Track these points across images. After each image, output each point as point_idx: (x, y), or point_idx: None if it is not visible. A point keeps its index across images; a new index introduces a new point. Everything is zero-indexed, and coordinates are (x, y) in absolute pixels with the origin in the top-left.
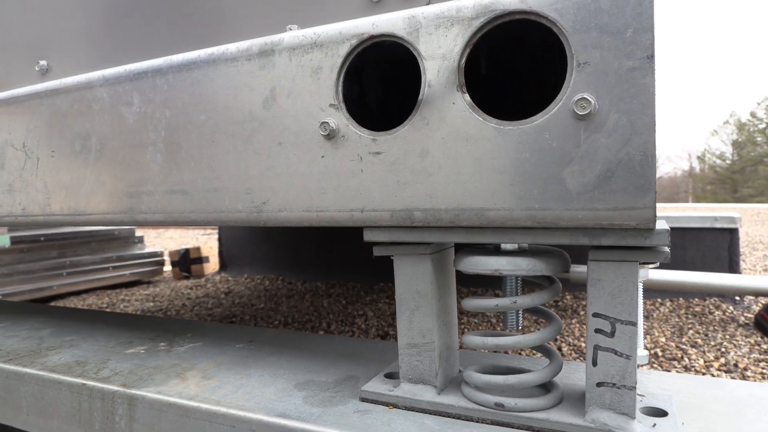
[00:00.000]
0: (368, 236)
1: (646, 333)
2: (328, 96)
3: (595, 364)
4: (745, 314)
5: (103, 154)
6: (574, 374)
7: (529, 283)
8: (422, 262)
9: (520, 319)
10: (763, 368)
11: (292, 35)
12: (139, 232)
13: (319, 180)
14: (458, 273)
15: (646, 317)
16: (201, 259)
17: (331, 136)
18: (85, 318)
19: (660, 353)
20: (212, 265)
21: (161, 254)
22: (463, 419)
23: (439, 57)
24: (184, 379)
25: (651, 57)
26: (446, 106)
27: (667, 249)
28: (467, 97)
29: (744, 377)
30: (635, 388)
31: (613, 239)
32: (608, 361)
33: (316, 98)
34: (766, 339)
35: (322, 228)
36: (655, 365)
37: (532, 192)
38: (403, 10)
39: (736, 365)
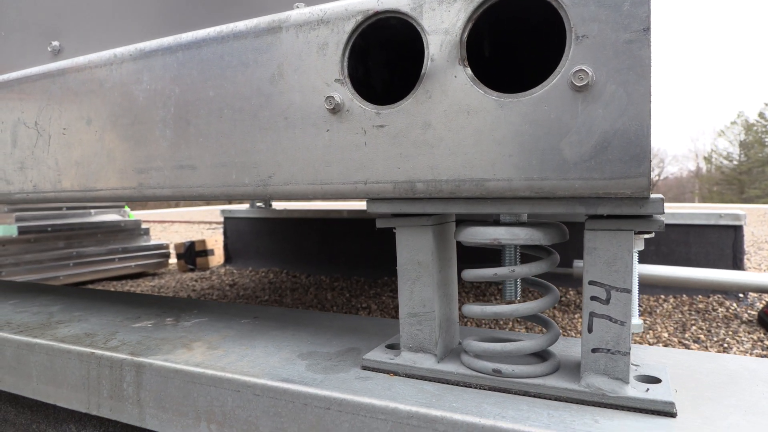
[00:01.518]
0: (371, 208)
1: (649, 328)
2: (334, 71)
3: (590, 330)
4: (749, 311)
5: (114, 131)
6: (572, 348)
7: (528, 258)
8: (423, 233)
9: (518, 289)
10: None
11: (299, 12)
12: (145, 225)
13: (324, 153)
14: (461, 251)
15: (650, 313)
16: (206, 252)
17: (336, 110)
18: (94, 296)
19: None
20: (217, 257)
21: (167, 246)
22: (461, 385)
23: (442, 32)
24: (190, 348)
25: (647, 29)
26: (448, 80)
27: (661, 218)
28: (469, 70)
29: None
30: (629, 353)
31: (609, 208)
32: (603, 327)
33: (322, 74)
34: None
35: (327, 221)
36: None
37: (530, 162)
38: None
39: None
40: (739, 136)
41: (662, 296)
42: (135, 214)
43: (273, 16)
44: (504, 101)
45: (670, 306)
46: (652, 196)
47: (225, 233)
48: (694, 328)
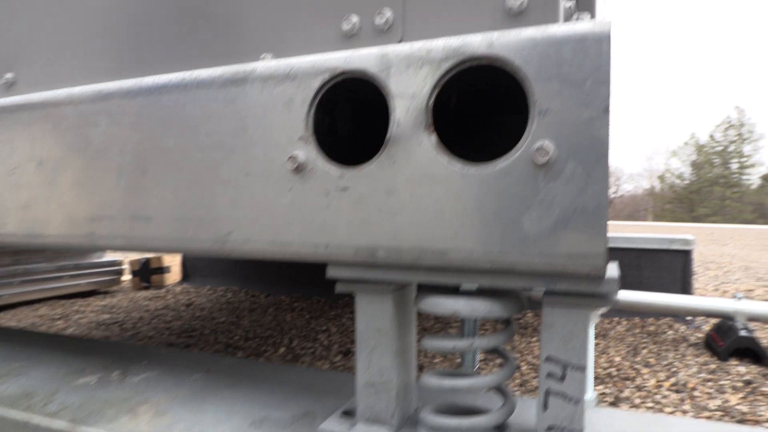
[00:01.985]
0: (331, 272)
1: (602, 352)
2: (299, 128)
3: (545, 408)
4: (696, 334)
5: (66, 175)
6: (527, 411)
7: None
8: (384, 300)
9: (477, 358)
10: (710, 388)
11: (265, 65)
12: None
13: (286, 213)
14: None
15: (603, 336)
16: (162, 269)
17: (299, 169)
18: (37, 342)
19: (615, 372)
20: (174, 275)
21: (121, 263)
22: None
23: (408, 96)
24: (135, 415)
25: (607, 109)
26: (413, 146)
27: (616, 296)
28: (434, 137)
29: (692, 397)
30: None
31: (567, 285)
32: (558, 405)
33: (287, 130)
34: (713, 359)
35: None
36: (609, 384)
37: (492, 236)
38: (375, 47)
39: (685, 385)
40: (691, 157)
41: (615, 319)
42: None
43: (238, 67)
44: (467, 172)
45: (623, 329)
46: (608, 276)
47: None
48: (644, 351)
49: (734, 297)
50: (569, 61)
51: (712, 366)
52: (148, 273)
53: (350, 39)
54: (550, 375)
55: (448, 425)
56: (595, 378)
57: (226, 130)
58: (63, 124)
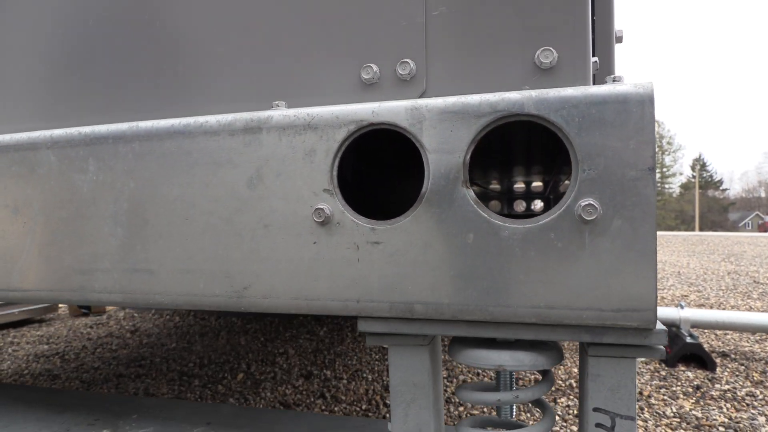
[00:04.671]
0: (363, 327)
1: (560, 364)
2: (322, 181)
3: None
4: None
5: (49, 224)
6: None
7: None
8: (420, 353)
9: (514, 409)
10: (664, 395)
11: (283, 114)
12: None
13: (311, 267)
14: None
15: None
16: None
17: (325, 222)
18: (6, 395)
19: (574, 384)
20: None
21: None
22: None
23: (444, 152)
24: None
25: (652, 169)
26: (450, 201)
27: (663, 348)
28: (471, 192)
29: (649, 405)
30: None
31: (614, 337)
32: None
33: (309, 182)
34: (663, 366)
35: None
36: (572, 396)
37: (537, 290)
38: (404, 101)
39: (641, 393)
40: None
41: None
42: None
43: (251, 114)
44: (509, 227)
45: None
46: (657, 327)
47: None
48: None
49: (678, 306)
50: (612, 122)
51: (663, 373)
52: None
53: (370, 88)
54: (599, 425)
55: None
56: (557, 389)
57: (239, 180)
58: (43, 169)
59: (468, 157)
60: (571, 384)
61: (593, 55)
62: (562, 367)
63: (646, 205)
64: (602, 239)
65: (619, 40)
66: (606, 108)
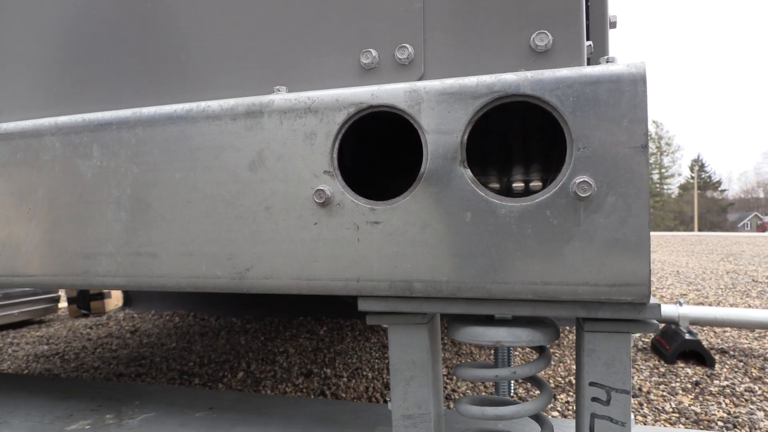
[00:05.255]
0: (363, 306)
1: (559, 361)
2: (323, 163)
3: (592, 431)
4: (643, 339)
5: (52, 210)
6: None
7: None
8: (419, 331)
9: (512, 386)
10: (663, 390)
11: (284, 98)
12: None
13: (311, 248)
14: None
15: (558, 345)
16: (102, 295)
17: (326, 203)
18: (9, 385)
19: (573, 381)
20: (114, 300)
21: (56, 290)
22: None
23: (442, 132)
24: None
25: (645, 146)
26: (448, 181)
27: (657, 321)
28: (469, 172)
29: (648, 401)
30: None
31: (609, 312)
32: (604, 428)
33: (309, 164)
34: (662, 362)
35: None
36: (571, 393)
37: (533, 267)
38: (403, 83)
39: (640, 389)
40: None
41: (567, 328)
42: None
43: (253, 98)
44: (506, 205)
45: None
46: (651, 301)
47: None
48: None
49: (677, 303)
50: (605, 101)
51: (662, 369)
52: (86, 300)
53: (369, 72)
54: (595, 399)
55: None
56: (557, 387)
57: (241, 163)
58: (47, 155)
59: (465, 137)
60: (570, 381)
61: (587, 39)
62: (561, 364)
63: (640, 181)
64: (597, 215)
65: (613, 25)
66: (600, 87)
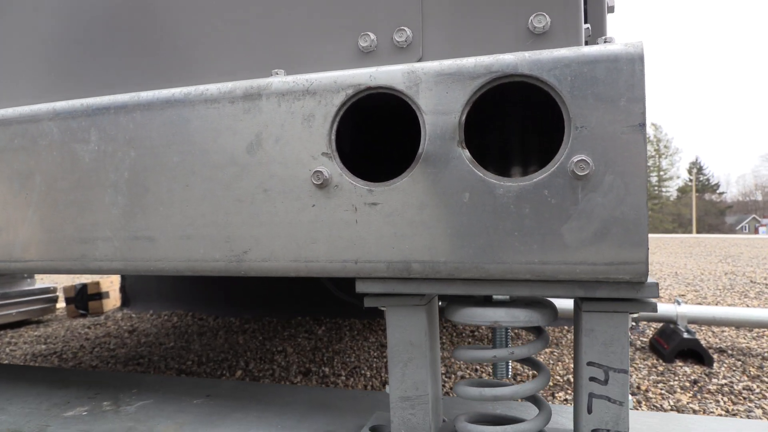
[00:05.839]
0: (361, 287)
1: (558, 360)
2: (321, 144)
3: (590, 411)
4: (641, 338)
5: (50, 195)
6: (559, 417)
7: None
8: (417, 313)
9: (510, 367)
10: (661, 389)
11: (282, 80)
12: None
13: (309, 229)
14: None
15: (557, 344)
16: (100, 295)
17: (324, 185)
18: (4, 375)
19: (572, 379)
20: (113, 300)
21: (54, 290)
22: None
23: (440, 113)
24: None
25: (642, 125)
26: (446, 161)
27: (655, 301)
28: (467, 152)
29: (647, 399)
30: None
31: (607, 291)
32: (603, 408)
33: (308, 146)
34: (660, 361)
35: None
36: (569, 391)
37: (531, 246)
38: (401, 64)
39: (638, 387)
40: None
41: (566, 327)
42: None
43: (251, 81)
44: (504, 185)
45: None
46: (648, 280)
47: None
48: None
49: (675, 302)
50: (603, 80)
51: (660, 368)
52: (84, 300)
53: (367, 56)
54: (593, 379)
55: None
56: (555, 385)
57: (239, 145)
58: (45, 141)
59: (463, 117)
60: (568, 379)
61: (585, 22)
62: (560, 363)
63: (637, 159)
64: (595, 194)
65: (611, 9)
66: (597, 67)
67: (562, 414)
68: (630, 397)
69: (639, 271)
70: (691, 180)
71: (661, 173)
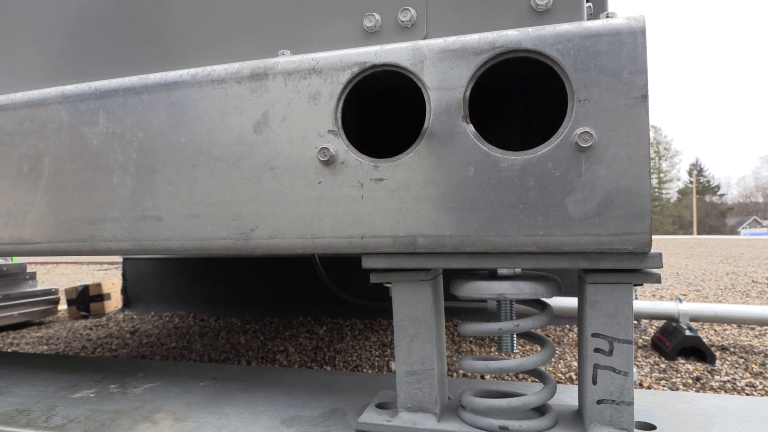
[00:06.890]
0: (367, 263)
1: (560, 358)
2: (327, 122)
3: (595, 382)
4: (643, 337)
5: (58, 177)
6: (559, 396)
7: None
8: (422, 288)
9: (515, 342)
10: (663, 386)
11: (288, 60)
12: (31, 268)
13: (315, 206)
14: None
15: (558, 342)
16: (102, 297)
17: (330, 162)
18: (11, 361)
19: (574, 377)
20: (114, 302)
21: (56, 292)
22: None
23: (445, 88)
24: (154, 422)
25: (645, 96)
26: (451, 136)
27: (658, 272)
28: (471, 127)
29: None
30: (633, 403)
31: (611, 263)
32: (607, 378)
33: (314, 124)
34: (662, 359)
35: (235, 260)
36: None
37: (536, 219)
38: (405, 42)
39: (641, 384)
40: None
41: (567, 326)
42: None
43: (258, 61)
44: (508, 158)
45: (576, 335)
46: (652, 251)
47: (124, 275)
48: None
49: (677, 300)
50: (605, 53)
51: (662, 365)
52: (86, 301)
53: (372, 36)
54: (597, 350)
55: (498, 406)
56: (557, 382)
57: (246, 125)
58: (54, 124)
59: (468, 93)
60: (571, 377)
61: (587, 1)
62: (562, 360)
63: (640, 131)
64: (598, 166)
65: None
66: (600, 40)
67: (567, 393)
68: (634, 369)
69: (642, 242)
70: (691, 182)
71: (662, 175)
